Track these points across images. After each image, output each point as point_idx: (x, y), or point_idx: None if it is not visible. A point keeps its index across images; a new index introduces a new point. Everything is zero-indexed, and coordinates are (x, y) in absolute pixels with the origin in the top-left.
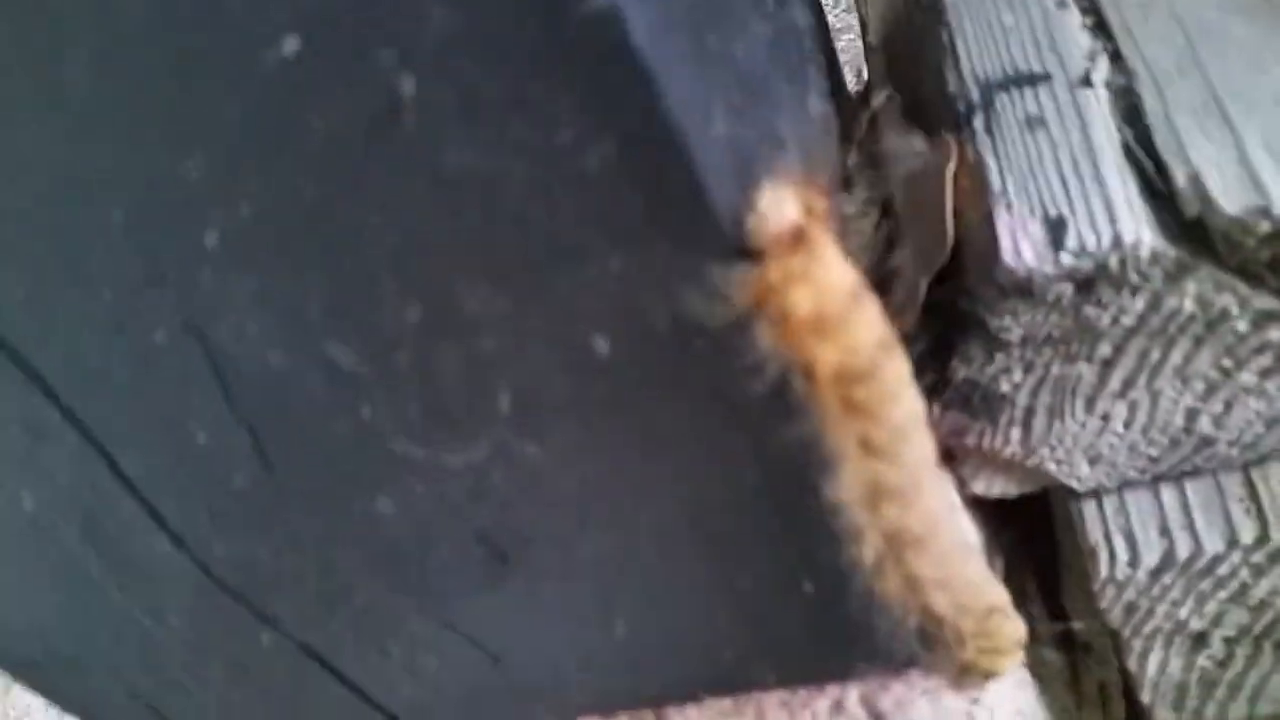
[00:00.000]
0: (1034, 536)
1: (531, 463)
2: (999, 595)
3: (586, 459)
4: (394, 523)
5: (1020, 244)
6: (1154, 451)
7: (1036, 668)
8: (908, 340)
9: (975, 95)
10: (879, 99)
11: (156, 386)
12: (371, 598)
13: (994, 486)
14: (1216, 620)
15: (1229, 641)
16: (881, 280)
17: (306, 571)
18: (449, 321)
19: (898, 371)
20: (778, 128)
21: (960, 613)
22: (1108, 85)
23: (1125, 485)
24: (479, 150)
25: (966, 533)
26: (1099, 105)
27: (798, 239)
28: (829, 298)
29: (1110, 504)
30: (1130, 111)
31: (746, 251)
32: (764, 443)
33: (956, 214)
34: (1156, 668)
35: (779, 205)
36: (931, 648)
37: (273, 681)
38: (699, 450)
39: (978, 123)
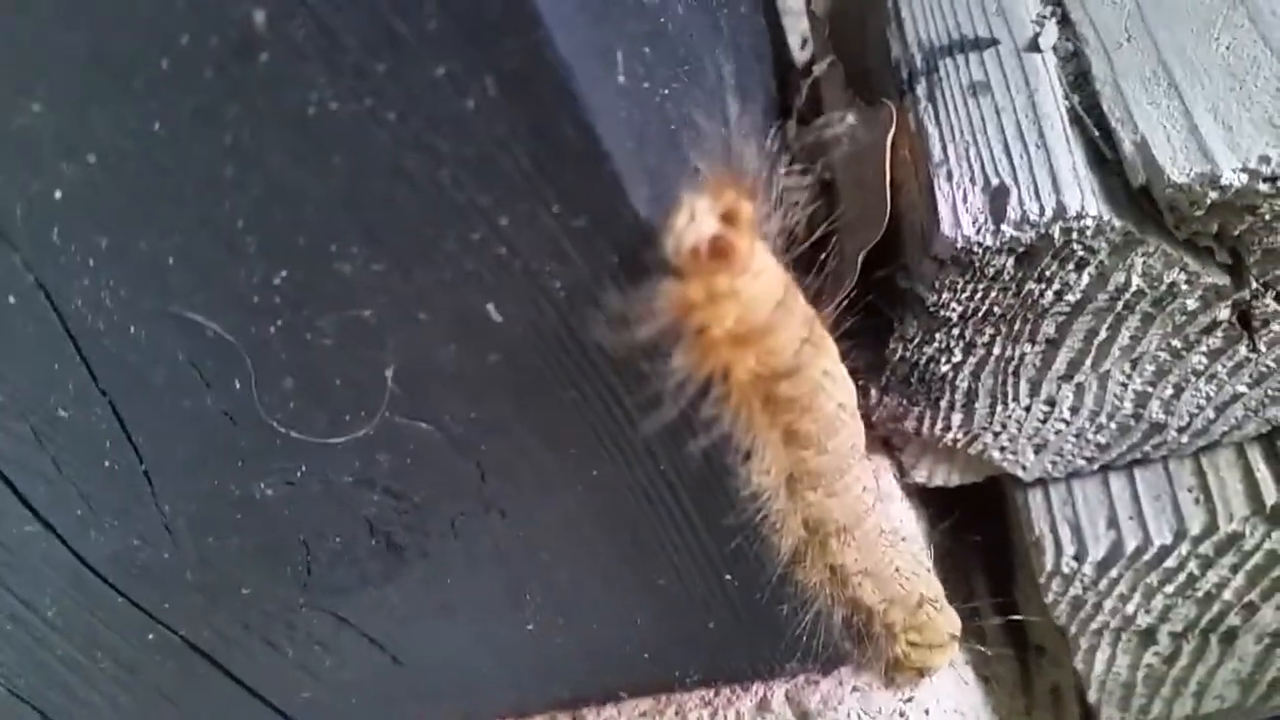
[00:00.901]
0: (984, 527)
1: (423, 445)
2: (931, 586)
3: (484, 441)
4: (276, 510)
5: (960, 214)
6: (1103, 439)
7: (982, 668)
8: (841, 320)
9: (918, 61)
10: (821, 67)
11: (10, 354)
12: (257, 591)
13: (935, 475)
14: (1164, 615)
15: (1176, 637)
16: (817, 255)
17: (185, 561)
18: (322, 285)
19: (824, 364)
20: (700, 101)
21: (889, 605)
22: (1055, 50)
23: (1073, 474)
24: (345, 90)
25: (896, 521)
26: (1046, 71)
27: (720, 254)
28: (754, 311)
29: (1057, 494)
30: (1078, 78)
31: (663, 264)
32: (676, 430)
33: (895, 185)
34: (1104, 666)
35: (696, 219)
36: (860, 643)
37: (163, 681)
38: (605, 434)
39: (920, 89)
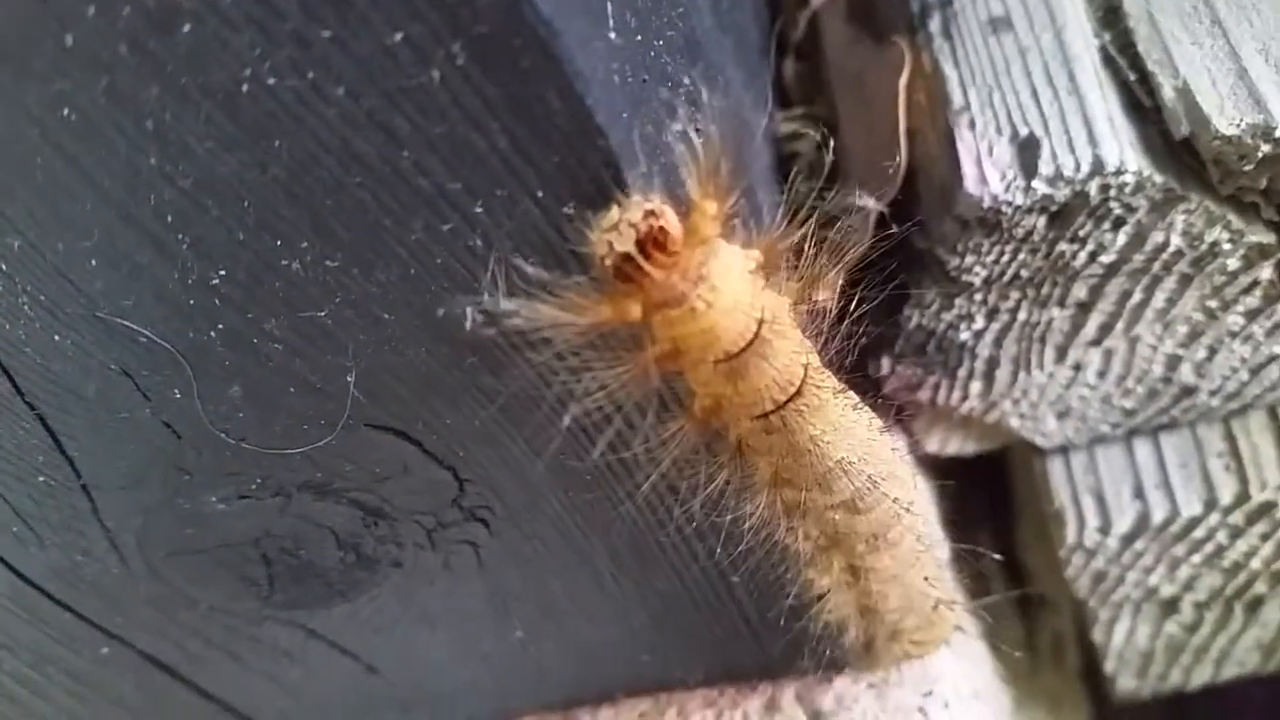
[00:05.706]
0: (986, 482)
1: (393, 454)
2: (947, 590)
3: (462, 449)
4: (230, 523)
5: (986, 169)
6: (1129, 404)
7: (989, 636)
8: (852, 287)
9: None
10: None
11: None
12: (216, 605)
13: (949, 445)
14: (1189, 585)
15: (1199, 606)
16: (824, 213)
17: (135, 576)
18: (268, 285)
19: (814, 426)
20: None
21: (906, 612)
22: None
23: (1096, 441)
24: (283, 62)
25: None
26: (1073, 3)
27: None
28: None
29: (1079, 462)
30: (1108, 13)
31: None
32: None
33: (910, 133)
34: (1123, 637)
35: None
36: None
37: (122, 694)
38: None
39: (934, 24)
